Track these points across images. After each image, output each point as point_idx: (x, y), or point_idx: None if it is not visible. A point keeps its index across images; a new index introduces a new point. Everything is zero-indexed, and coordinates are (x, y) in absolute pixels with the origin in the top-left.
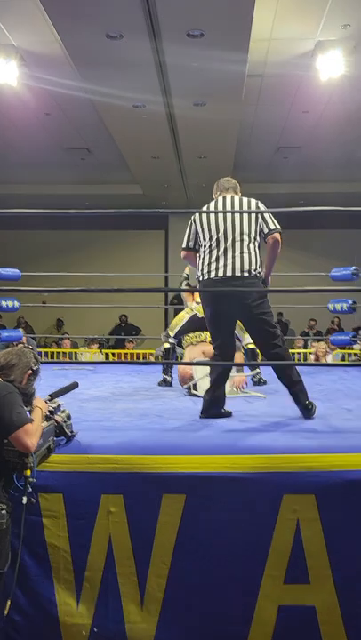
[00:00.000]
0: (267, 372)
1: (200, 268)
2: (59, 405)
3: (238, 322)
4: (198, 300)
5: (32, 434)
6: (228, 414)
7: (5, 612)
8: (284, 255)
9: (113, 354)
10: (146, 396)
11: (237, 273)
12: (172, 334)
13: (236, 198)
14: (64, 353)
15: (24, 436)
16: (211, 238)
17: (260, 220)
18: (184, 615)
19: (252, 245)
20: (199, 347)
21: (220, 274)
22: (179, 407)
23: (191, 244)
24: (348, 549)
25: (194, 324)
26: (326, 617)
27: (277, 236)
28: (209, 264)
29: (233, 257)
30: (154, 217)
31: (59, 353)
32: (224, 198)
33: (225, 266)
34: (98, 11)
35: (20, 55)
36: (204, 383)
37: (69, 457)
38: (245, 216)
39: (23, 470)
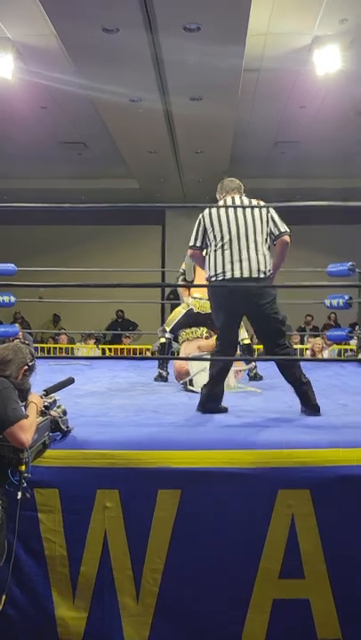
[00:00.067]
0: (263, 368)
1: (212, 268)
2: (54, 401)
3: None
4: (195, 295)
5: (27, 429)
6: (225, 410)
7: (0, 607)
8: None
9: (110, 349)
10: (142, 391)
11: (254, 274)
12: (168, 329)
13: (245, 200)
14: (60, 348)
15: (19, 431)
16: (223, 238)
17: (270, 222)
18: (179, 609)
19: (265, 246)
20: (195, 342)
21: (238, 274)
22: (175, 402)
23: (200, 242)
24: (342, 544)
25: (190, 319)
26: (321, 611)
27: (287, 238)
28: (223, 264)
29: (249, 258)
30: (151, 212)
31: (55, 348)
32: (233, 199)
33: (241, 267)
34: (94, 4)
35: (15, 48)
36: (200, 378)
37: (65, 452)
38: (257, 217)
39: (18, 465)
